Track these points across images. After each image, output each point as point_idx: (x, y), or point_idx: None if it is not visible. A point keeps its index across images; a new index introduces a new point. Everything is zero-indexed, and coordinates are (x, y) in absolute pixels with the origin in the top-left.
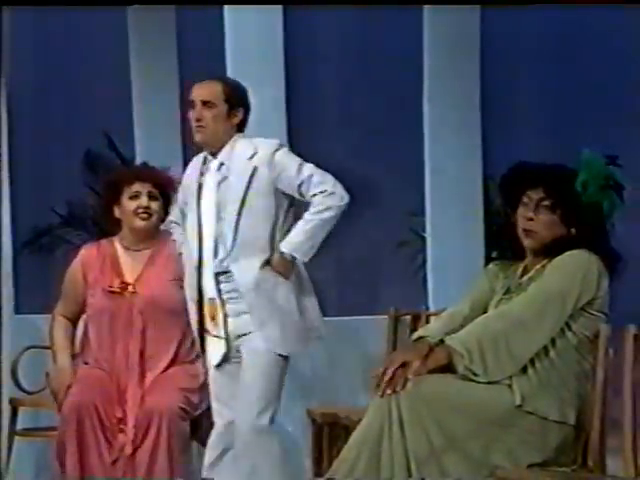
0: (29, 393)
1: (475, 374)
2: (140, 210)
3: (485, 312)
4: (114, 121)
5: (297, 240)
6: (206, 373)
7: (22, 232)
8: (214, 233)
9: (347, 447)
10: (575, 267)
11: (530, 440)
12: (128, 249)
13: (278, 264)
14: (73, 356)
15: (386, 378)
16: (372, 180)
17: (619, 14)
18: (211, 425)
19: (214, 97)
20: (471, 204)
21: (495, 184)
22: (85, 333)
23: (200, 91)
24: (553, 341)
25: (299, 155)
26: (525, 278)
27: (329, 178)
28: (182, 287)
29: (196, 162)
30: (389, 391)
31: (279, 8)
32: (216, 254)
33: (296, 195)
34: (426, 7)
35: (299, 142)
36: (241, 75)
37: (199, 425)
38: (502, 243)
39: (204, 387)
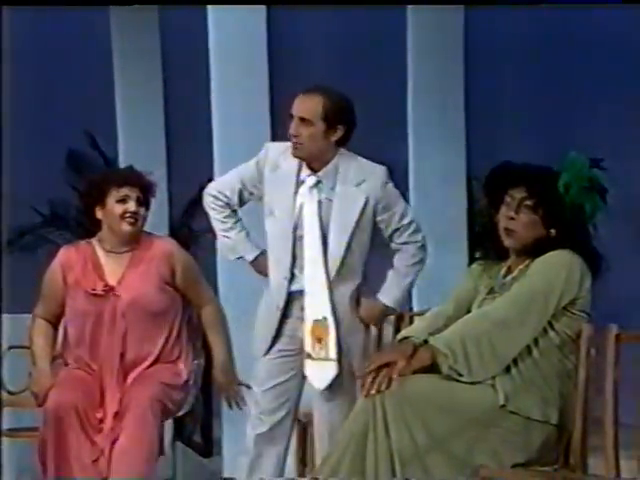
0: (11, 393)
1: (459, 374)
2: (128, 215)
3: (469, 312)
4: (97, 121)
5: (398, 295)
6: (190, 372)
7: (4, 231)
8: (320, 252)
9: (332, 446)
10: (558, 266)
11: (513, 440)
12: (109, 251)
13: (370, 312)
14: (54, 358)
15: (370, 378)
16: None
17: (605, 14)
18: (194, 426)
19: (311, 115)
20: (455, 204)
21: (479, 184)
22: (65, 334)
23: (298, 106)
24: (536, 341)
25: None
26: (509, 278)
27: (419, 228)
28: (165, 289)
29: (289, 157)
30: (373, 391)
31: (263, 8)
32: (327, 275)
33: (384, 233)
34: (409, 7)
35: (284, 141)
36: (224, 75)
37: (183, 425)
38: (485, 243)
39: (187, 385)
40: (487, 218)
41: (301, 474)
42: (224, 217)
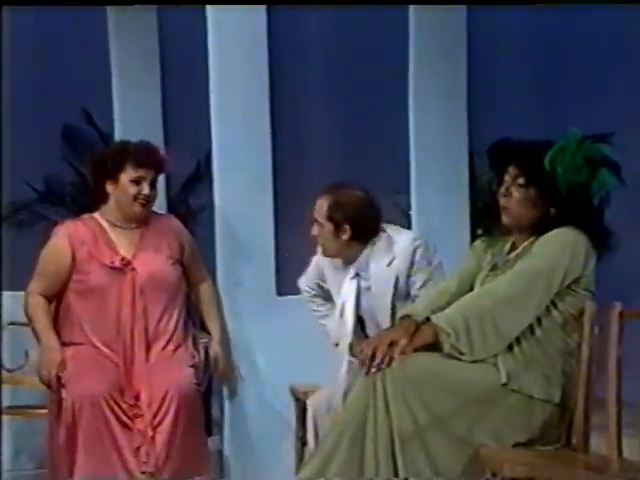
0: (9, 370)
1: (461, 352)
2: (141, 197)
3: (472, 289)
4: (92, 96)
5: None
6: (199, 351)
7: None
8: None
9: (332, 424)
10: (562, 245)
11: (515, 419)
12: (116, 226)
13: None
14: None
15: (369, 354)
16: (356, 157)
17: (608, 12)
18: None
19: (318, 215)
20: (456, 181)
21: (481, 160)
22: (66, 312)
23: (314, 207)
24: (539, 319)
25: (284, 149)
26: (512, 255)
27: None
28: (175, 265)
29: None
30: (374, 369)
31: (263, 8)
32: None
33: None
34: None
35: (283, 135)
36: (224, 75)
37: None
38: (487, 220)
39: (201, 363)
40: (489, 195)
41: (300, 452)
42: (316, 306)
